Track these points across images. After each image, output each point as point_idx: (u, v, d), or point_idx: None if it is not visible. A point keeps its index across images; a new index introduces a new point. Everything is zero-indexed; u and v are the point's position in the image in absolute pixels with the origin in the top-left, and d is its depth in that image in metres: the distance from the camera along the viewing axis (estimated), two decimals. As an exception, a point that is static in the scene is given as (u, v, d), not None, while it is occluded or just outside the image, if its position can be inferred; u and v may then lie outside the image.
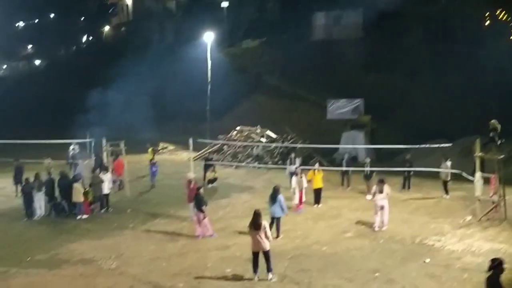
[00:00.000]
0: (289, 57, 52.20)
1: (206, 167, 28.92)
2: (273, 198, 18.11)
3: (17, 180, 26.21)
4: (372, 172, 25.22)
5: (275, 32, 54.04)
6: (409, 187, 25.94)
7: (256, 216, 14.41)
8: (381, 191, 18.98)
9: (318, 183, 23.19)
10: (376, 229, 18.83)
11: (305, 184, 22.46)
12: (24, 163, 28.57)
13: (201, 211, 18.51)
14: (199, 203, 18.60)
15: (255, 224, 14.32)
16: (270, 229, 16.35)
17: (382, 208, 18.88)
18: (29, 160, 30.02)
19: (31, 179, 22.64)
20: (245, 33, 61.13)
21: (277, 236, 17.81)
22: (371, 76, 45.56)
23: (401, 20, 46.40)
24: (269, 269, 14.33)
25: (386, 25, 45.94)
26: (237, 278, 14.65)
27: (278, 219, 18.15)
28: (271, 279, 14.21)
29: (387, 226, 18.87)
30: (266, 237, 14.29)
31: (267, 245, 14.26)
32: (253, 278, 14.37)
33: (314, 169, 23.68)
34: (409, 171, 25.90)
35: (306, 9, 58.04)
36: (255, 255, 14.39)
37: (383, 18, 46.57)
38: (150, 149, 32.73)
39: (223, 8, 62.05)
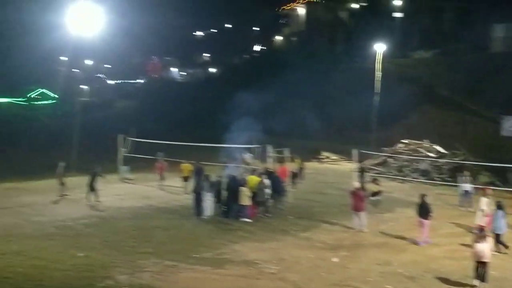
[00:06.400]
0: (464, 69, 50.10)
1: (362, 179, 28.41)
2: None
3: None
4: None
5: (450, 43, 52.09)
6: None
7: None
8: None
9: None
10: None
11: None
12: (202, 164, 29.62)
13: (428, 218, 18.99)
14: (426, 210, 19.04)
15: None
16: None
17: None
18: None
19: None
20: (418, 44, 59.62)
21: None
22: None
23: None
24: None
25: None
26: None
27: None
28: None
29: None
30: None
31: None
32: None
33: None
34: None
35: (484, 20, 55.59)
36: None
37: None
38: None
39: (396, 17, 61.08)
